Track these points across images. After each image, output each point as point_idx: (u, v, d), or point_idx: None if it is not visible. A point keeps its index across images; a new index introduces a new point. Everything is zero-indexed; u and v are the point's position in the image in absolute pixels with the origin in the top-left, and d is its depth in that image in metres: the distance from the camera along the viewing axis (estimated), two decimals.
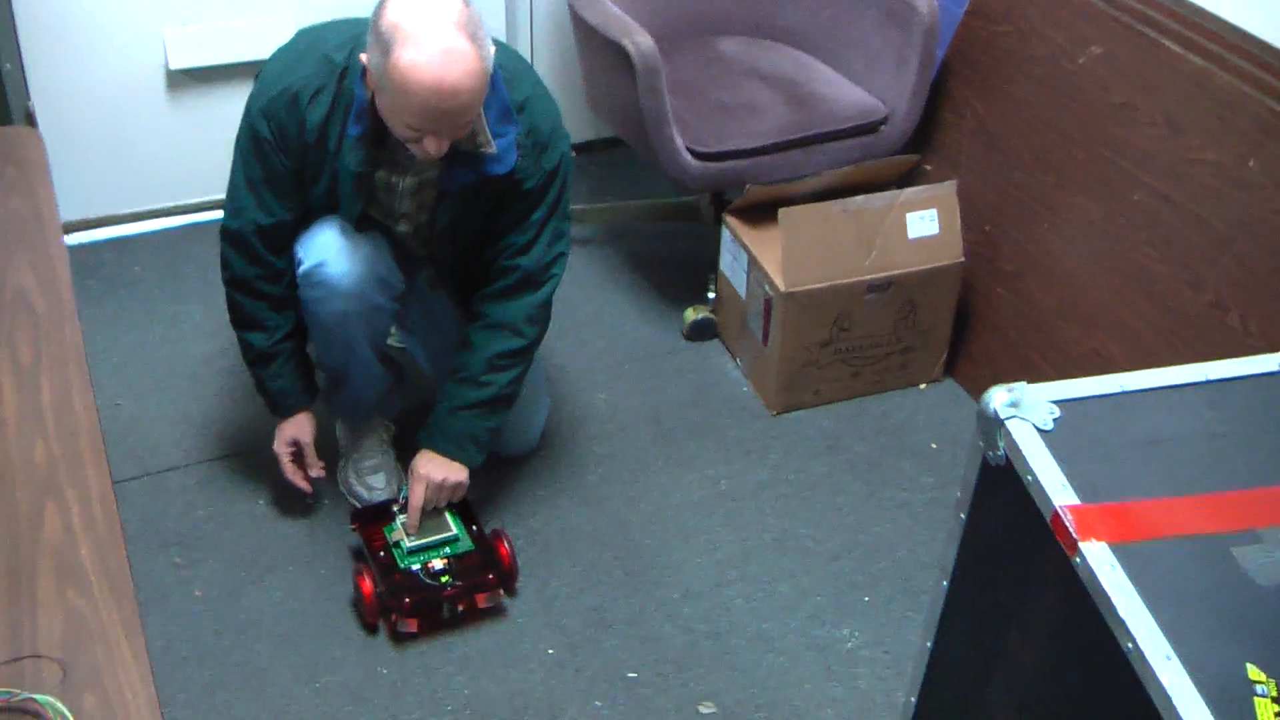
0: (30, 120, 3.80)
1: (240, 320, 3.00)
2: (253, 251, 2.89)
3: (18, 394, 2.01)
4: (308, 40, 2.82)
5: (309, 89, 2.74)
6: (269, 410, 3.11)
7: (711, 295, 3.77)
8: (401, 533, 2.95)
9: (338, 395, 3.14)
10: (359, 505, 3.14)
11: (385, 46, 2.50)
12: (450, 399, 3.00)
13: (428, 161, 2.73)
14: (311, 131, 2.75)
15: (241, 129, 2.84)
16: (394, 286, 2.97)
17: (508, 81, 2.77)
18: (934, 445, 3.46)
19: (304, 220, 2.91)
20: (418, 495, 2.95)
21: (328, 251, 2.85)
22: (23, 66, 3.78)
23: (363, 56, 2.60)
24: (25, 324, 2.14)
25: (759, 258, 3.43)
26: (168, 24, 3.87)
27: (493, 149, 2.74)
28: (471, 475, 3.02)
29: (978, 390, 3.55)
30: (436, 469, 2.97)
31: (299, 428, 3.08)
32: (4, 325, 2.14)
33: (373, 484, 3.16)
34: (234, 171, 2.88)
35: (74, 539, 1.79)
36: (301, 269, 2.88)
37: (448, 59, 2.48)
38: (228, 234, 2.91)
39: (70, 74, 3.85)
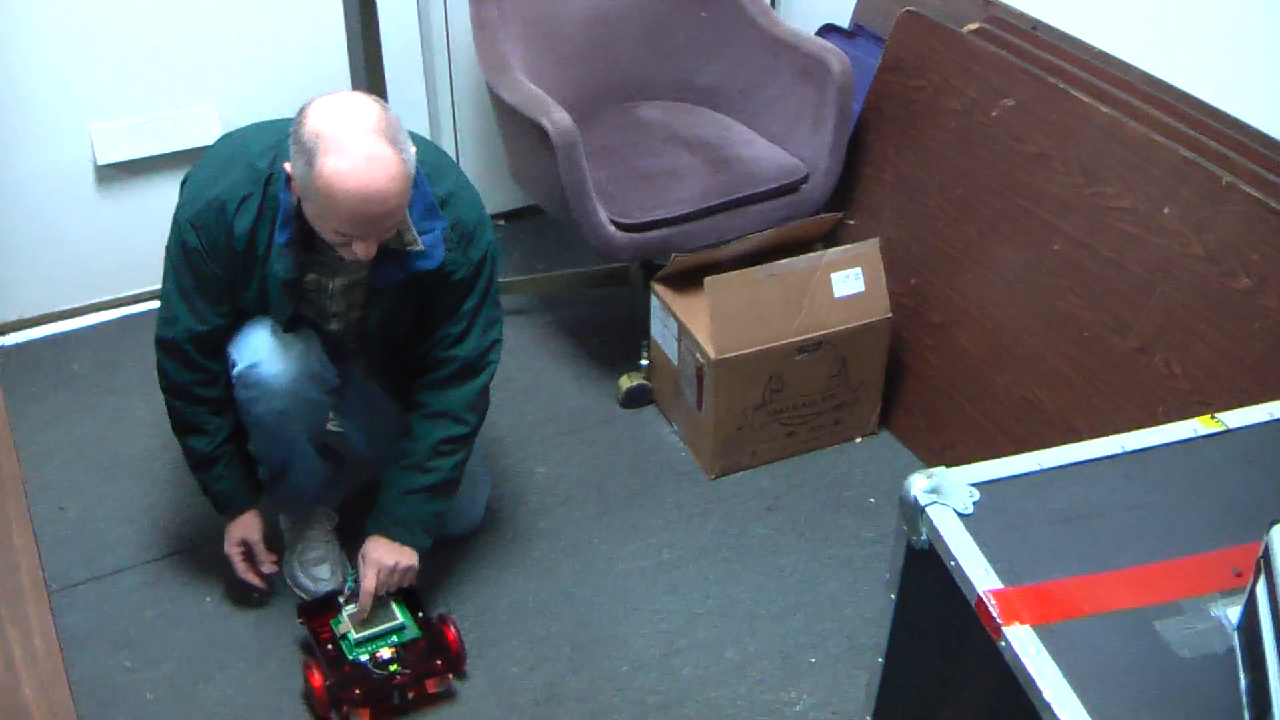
0: None
1: (181, 426, 3.02)
2: (189, 359, 2.91)
3: None
4: (232, 148, 2.84)
5: (235, 197, 2.76)
6: (215, 510, 3.12)
7: (645, 362, 3.80)
8: (348, 624, 2.96)
9: (279, 488, 3.16)
10: (305, 597, 3.16)
11: (309, 155, 2.53)
12: (396, 484, 3.02)
13: (357, 262, 2.77)
14: (240, 239, 2.77)
15: (171, 239, 2.86)
16: (327, 381, 3.00)
17: (430, 177, 2.81)
18: (872, 500, 3.49)
19: (236, 321, 2.93)
20: (370, 580, 2.97)
21: (260, 352, 2.88)
22: None
23: (287, 165, 2.63)
24: None
25: (688, 325, 3.47)
26: (94, 119, 3.89)
27: (420, 246, 2.77)
28: (420, 559, 3.04)
29: (913, 441, 3.61)
30: (387, 554, 2.99)
31: (246, 528, 3.10)
32: None
33: (318, 575, 3.18)
34: (165, 281, 2.90)
35: (16, 677, 1.79)
36: (236, 370, 2.90)
37: (371, 165, 2.51)
38: (163, 344, 2.93)
39: None
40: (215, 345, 2.92)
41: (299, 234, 2.75)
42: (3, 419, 2.23)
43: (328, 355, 2.99)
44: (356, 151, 2.51)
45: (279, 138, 2.72)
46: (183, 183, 2.89)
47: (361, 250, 2.64)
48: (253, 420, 2.97)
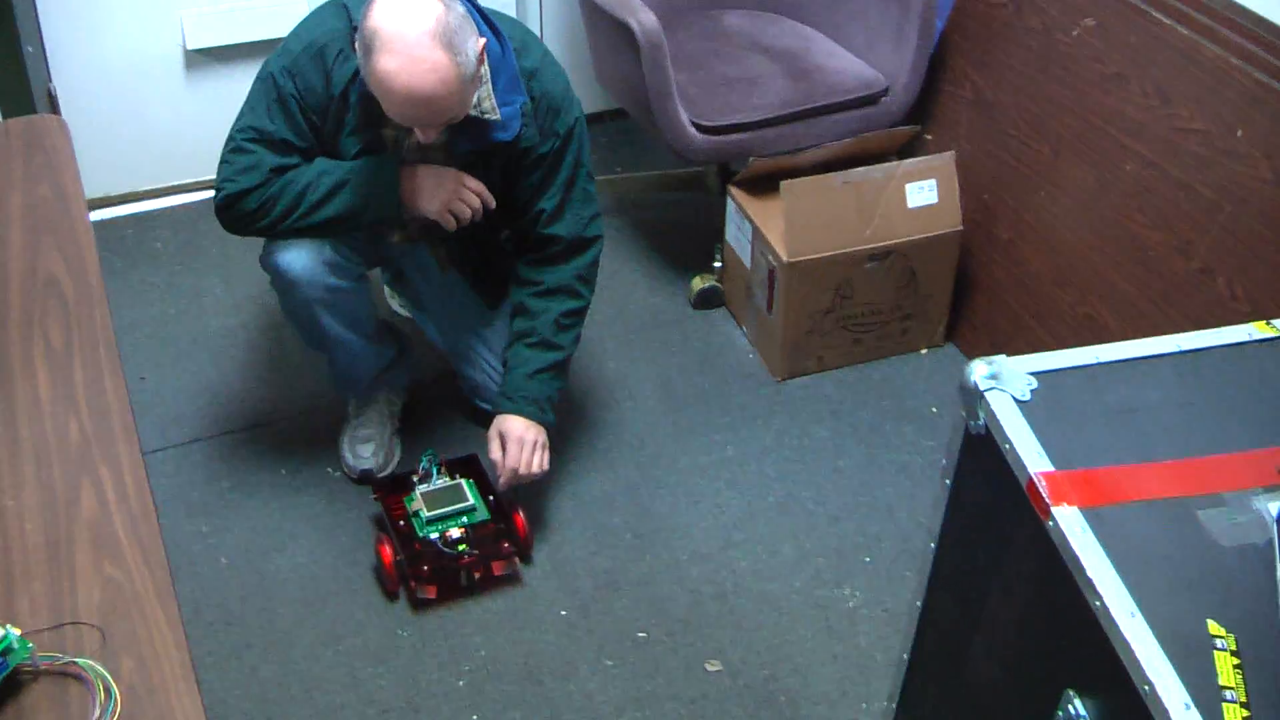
0: (52, 101, 3.91)
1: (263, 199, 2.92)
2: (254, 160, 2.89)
3: (51, 376, 2.10)
4: (332, 4, 2.90)
5: (335, 45, 2.82)
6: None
7: (718, 264, 3.86)
8: (420, 503, 3.04)
9: (330, 371, 3.26)
10: (345, 472, 3.27)
11: (367, 48, 2.59)
12: (525, 364, 3.08)
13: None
14: (337, 84, 2.83)
15: (256, 89, 2.89)
16: (349, 269, 3.03)
17: (518, 51, 2.87)
18: (934, 410, 3.55)
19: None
20: (514, 454, 3.02)
21: (278, 240, 2.96)
22: (44, 48, 3.88)
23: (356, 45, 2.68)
24: (56, 309, 2.22)
25: (763, 229, 3.52)
26: (184, 5, 3.98)
27: (497, 116, 2.83)
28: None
29: (978, 355, 3.61)
30: (526, 430, 3.05)
31: None
32: (36, 311, 2.22)
33: (360, 453, 3.26)
34: (241, 129, 2.89)
35: (109, 513, 1.88)
36: (260, 257, 3.01)
37: (419, 69, 2.56)
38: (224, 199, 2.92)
39: (90, 55, 3.95)
40: None
41: None
42: (97, 275, 2.31)
43: (359, 243, 3.04)
44: (406, 54, 2.56)
45: None
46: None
47: (421, 136, 2.73)
48: (283, 307, 3.09)
